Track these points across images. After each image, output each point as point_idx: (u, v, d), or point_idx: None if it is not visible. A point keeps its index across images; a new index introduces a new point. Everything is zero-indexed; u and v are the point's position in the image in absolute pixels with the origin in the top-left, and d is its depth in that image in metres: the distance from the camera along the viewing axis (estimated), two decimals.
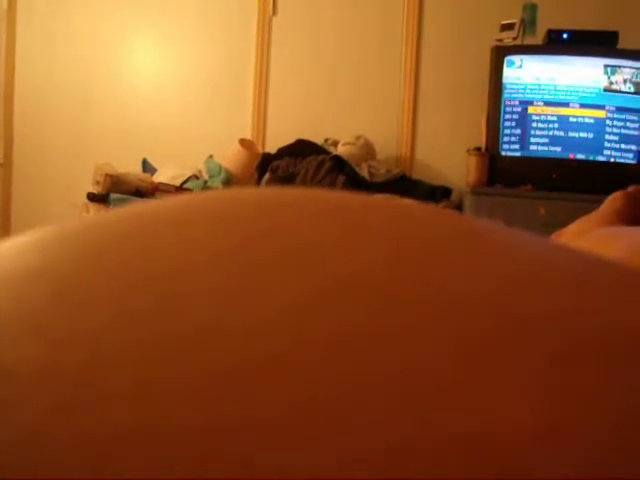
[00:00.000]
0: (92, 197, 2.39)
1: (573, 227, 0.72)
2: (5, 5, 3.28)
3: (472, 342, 0.12)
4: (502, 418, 0.10)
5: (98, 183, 2.40)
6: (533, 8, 2.77)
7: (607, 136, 2.67)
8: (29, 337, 0.12)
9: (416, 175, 3.00)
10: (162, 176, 2.69)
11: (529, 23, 2.76)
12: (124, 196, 2.29)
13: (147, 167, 2.93)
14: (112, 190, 2.34)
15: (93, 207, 2.36)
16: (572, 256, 0.18)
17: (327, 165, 2.76)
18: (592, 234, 0.60)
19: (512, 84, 2.70)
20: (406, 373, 0.11)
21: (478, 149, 2.76)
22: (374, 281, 0.14)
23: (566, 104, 2.69)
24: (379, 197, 0.20)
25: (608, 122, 2.67)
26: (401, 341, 0.12)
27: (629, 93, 2.67)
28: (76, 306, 0.13)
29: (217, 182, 2.64)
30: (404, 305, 0.13)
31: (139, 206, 0.18)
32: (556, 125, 2.69)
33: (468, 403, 0.11)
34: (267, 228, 0.16)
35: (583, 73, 2.68)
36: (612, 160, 2.67)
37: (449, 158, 3.03)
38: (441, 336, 0.12)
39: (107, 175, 2.38)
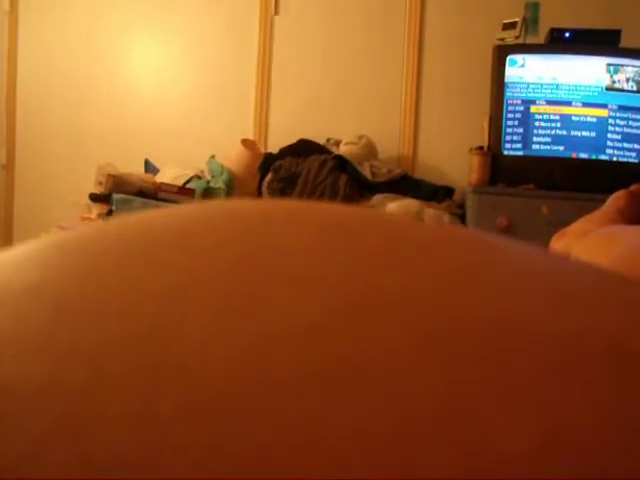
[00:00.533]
0: (95, 197, 2.40)
1: (575, 226, 0.72)
2: (7, 6, 3.28)
3: (472, 363, 0.12)
4: (502, 436, 0.10)
5: (100, 183, 2.40)
6: (535, 7, 2.77)
7: (610, 135, 2.67)
8: (30, 354, 0.12)
9: (418, 174, 3.00)
10: (164, 176, 2.69)
11: (531, 22, 2.76)
12: (126, 196, 2.29)
13: (149, 167, 2.93)
14: (114, 190, 2.34)
15: (96, 207, 2.36)
16: (574, 271, 0.18)
17: (329, 165, 2.76)
18: (594, 233, 0.60)
19: (514, 83, 2.70)
20: (409, 397, 0.11)
21: (480, 148, 2.76)
22: (378, 302, 0.13)
23: (568, 103, 2.69)
24: (380, 212, 0.20)
25: (611, 121, 2.67)
26: (404, 365, 0.12)
27: (632, 92, 2.66)
28: (77, 323, 0.13)
29: (219, 182, 2.64)
30: (406, 327, 0.13)
31: (140, 217, 0.18)
32: (558, 124, 2.69)
33: (470, 422, 0.10)
34: (271, 246, 0.15)
35: (586, 72, 2.67)
36: (615, 159, 2.67)
37: (451, 157, 3.03)
38: (445, 356, 0.12)
39: (109, 175, 2.38)
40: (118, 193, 2.32)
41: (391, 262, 0.15)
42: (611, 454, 0.10)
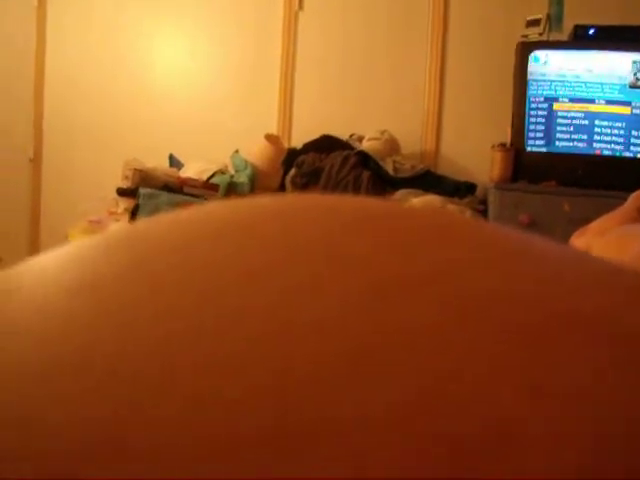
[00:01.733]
0: (121, 192, 2.43)
1: (596, 224, 0.73)
2: (35, 2, 3.33)
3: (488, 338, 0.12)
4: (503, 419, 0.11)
5: (127, 178, 2.44)
6: (560, 3, 2.75)
7: (634, 132, 2.65)
8: (72, 357, 0.12)
9: (441, 170, 3.00)
10: (189, 171, 2.72)
11: (555, 18, 2.74)
12: (153, 191, 2.33)
13: (174, 162, 2.96)
14: (141, 185, 2.38)
15: (122, 202, 2.40)
16: (583, 260, 0.18)
17: (352, 160, 2.77)
18: (613, 231, 0.60)
19: (537, 80, 2.69)
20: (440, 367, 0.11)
21: (503, 145, 2.75)
22: (411, 279, 0.14)
23: (592, 100, 2.67)
24: (401, 204, 0.21)
25: (635, 118, 2.65)
26: (436, 338, 0.12)
27: None
28: (119, 326, 0.13)
29: (243, 177, 2.66)
30: (436, 302, 0.13)
31: (179, 216, 0.18)
32: (582, 121, 2.68)
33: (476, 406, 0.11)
34: (308, 242, 0.16)
35: (609, 69, 2.65)
36: (638, 156, 2.65)
37: (474, 154, 3.02)
38: (467, 331, 0.12)
39: (136, 170, 2.41)
40: (144, 187, 2.35)
41: (421, 247, 0.16)
42: (612, 440, 0.10)
